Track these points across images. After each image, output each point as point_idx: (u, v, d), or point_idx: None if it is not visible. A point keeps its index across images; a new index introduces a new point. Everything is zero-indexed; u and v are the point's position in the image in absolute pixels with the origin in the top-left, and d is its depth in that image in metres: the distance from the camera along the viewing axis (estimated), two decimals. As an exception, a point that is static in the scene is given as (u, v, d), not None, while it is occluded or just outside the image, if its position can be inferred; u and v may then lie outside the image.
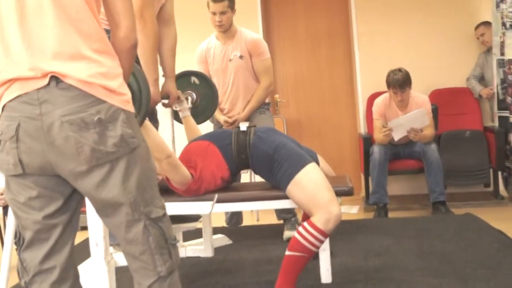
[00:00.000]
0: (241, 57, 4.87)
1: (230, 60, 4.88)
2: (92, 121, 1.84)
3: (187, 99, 4.02)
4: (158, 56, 3.51)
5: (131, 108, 1.98)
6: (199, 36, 5.18)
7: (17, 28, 1.86)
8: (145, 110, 2.66)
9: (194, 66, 4.90)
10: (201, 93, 4.16)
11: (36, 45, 1.85)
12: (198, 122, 4.12)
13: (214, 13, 4.80)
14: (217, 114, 4.91)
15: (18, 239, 2.06)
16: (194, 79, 4.18)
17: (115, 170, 1.91)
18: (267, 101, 5.11)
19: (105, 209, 1.98)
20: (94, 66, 1.87)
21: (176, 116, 4.07)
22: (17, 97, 1.86)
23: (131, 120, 1.95)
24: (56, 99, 1.83)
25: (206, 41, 5.04)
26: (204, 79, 4.24)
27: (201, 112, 4.19)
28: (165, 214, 2.05)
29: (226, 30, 4.86)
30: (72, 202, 2.05)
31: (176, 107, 3.94)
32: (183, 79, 4.10)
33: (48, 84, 1.84)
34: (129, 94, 1.99)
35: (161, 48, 3.57)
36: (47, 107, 1.83)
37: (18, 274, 2.10)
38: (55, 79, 1.84)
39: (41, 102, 1.83)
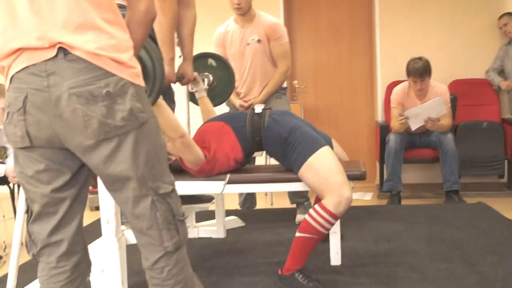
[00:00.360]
0: (259, 41, 4.85)
1: (248, 44, 4.86)
2: (100, 94, 1.81)
3: (203, 80, 4.05)
4: (176, 37, 3.52)
5: (141, 82, 1.94)
6: (217, 20, 5.18)
7: None
8: (158, 88, 2.64)
9: (211, 49, 4.89)
10: (218, 75, 4.17)
11: (44, 12, 1.81)
12: (215, 105, 4.14)
13: None
14: (233, 97, 4.91)
15: (27, 212, 2.07)
16: (211, 61, 4.19)
17: (123, 145, 1.88)
18: (284, 86, 5.10)
19: (113, 184, 1.96)
20: (104, 37, 1.83)
21: (192, 98, 4.10)
22: (24, 68, 1.82)
23: (140, 94, 1.91)
24: (64, 71, 1.80)
25: (224, 25, 5.01)
26: (221, 61, 4.25)
27: (218, 94, 4.21)
28: (173, 190, 2.03)
29: (245, 13, 4.82)
30: (81, 176, 2.05)
31: (192, 88, 3.98)
32: (201, 60, 4.12)
33: (56, 55, 1.80)
34: (139, 68, 1.96)
35: (181, 30, 3.54)
36: (55, 79, 1.80)
37: (26, 246, 2.11)
38: (63, 50, 1.80)
39: (49, 74, 1.80)
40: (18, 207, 3.20)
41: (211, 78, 4.14)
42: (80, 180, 2.05)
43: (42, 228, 2.03)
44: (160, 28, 3.21)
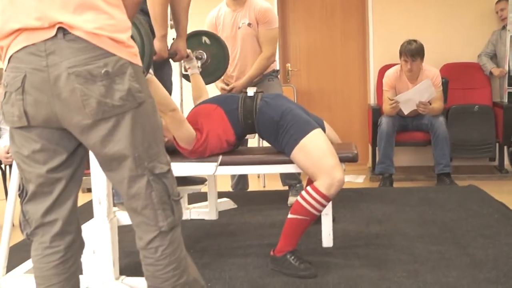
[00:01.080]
0: (249, 24, 4.81)
1: (239, 28, 4.83)
2: (99, 74, 1.82)
3: (197, 58, 4.05)
4: (168, 14, 3.50)
5: (138, 61, 1.95)
6: (212, 2, 5.15)
7: None
8: (147, 64, 2.63)
9: None
10: (212, 53, 4.17)
11: None
12: (208, 82, 4.18)
13: None
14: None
15: (21, 192, 2.07)
16: (205, 39, 4.19)
17: (120, 124, 1.88)
18: (276, 68, 5.08)
19: (110, 164, 1.97)
20: (103, 17, 1.84)
21: (185, 75, 4.11)
22: (23, 48, 1.83)
23: (138, 75, 1.92)
24: (63, 50, 1.80)
25: (217, 8, 4.99)
26: (215, 39, 4.24)
27: (212, 72, 4.22)
28: (169, 170, 2.04)
29: None
30: (76, 157, 2.05)
31: (185, 65, 3.98)
32: (195, 38, 4.12)
33: (56, 35, 1.80)
34: (136, 47, 1.97)
35: (175, 7, 3.50)
36: (54, 58, 1.80)
37: (20, 226, 2.11)
38: (62, 30, 1.80)
39: (48, 54, 1.80)
40: (9, 188, 3.20)
41: (205, 56, 4.14)
42: (76, 160, 2.06)
43: (37, 208, 2.04)
44: (152, 4, 3.19)
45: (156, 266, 2.03)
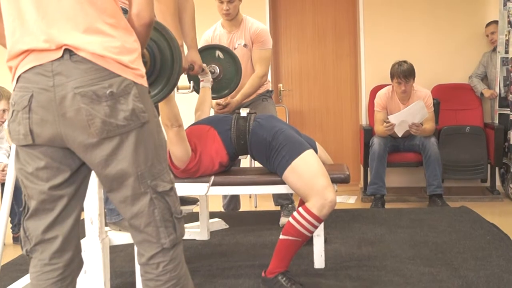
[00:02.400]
0: (245, 45, 4.85)
1: (235, 48, 4.84)
2: (104, 94, 1.86)
3: (210, 72, 4.06)
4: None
5: (144, 82, 1.99)
6: (204, 24, 5.17)
7: (33, 1, 1.88)
8: (176, 78, 2.62)
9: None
10: (225, 67, 4.20)
11: (51, 16, 1.87)
12: (221, 96, 4.26)
13: (221, 2, 4.76)
14: None
15: (23, 208, 2.08)
16: (218, 53, 4.21)
17: (124, 144, 1.92)
18: (270, 89, 5.11)
19: (112, 183, 1.98)
20: (108, 40, 1.89)
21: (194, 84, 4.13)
22: (31, 68, 1.88)
23: (143, 95, 1.96)
24: (70, 71, 1.85)
25: (212, 28, 5.01)
26: (228, 53, 4.26)
27: (224, 86, 4.25)
28: (172, 188, 2.06)
29: (233, 18, 4.84)
30: (80, 175, 2.07)
31: (200, 78, 4.00)
32: (208, 52, 4.15)
33: (62, 56, 1.85)
34: (143, 70, 2.00)
35: (182, 20, 3.53)
36: (60, 79, 1.85)
37: (20, 242, 2.12)
38: (68, 51, 1.85)
39: (55, 74, 1.85)
40: (1, 208, 3.19)
41: (218, 70, 4.15)
42: (79, 178, 2.07)
43: (38, 224, 2.05)
44: (163, 17, 3.20)
45: (156, 281, 2.04)
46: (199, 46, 4.81)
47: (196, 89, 4.03)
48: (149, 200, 1.98)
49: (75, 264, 2.14)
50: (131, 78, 1.92)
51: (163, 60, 2.56)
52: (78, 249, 2.16)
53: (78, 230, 2.14)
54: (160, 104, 2.97)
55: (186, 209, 4.03)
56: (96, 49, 1.86)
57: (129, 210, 2.01)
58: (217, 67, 4.16)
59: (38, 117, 1.89)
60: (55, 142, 1.93)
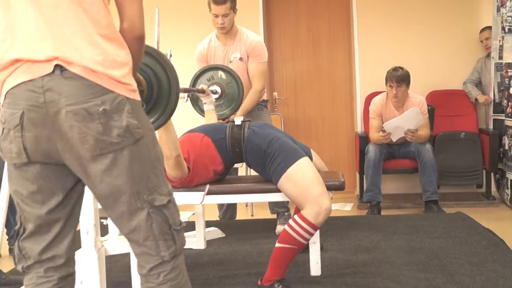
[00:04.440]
0: (240, 59, 4.84)
1: (231, 61, 4.84)
2: (97, 112, 1.82)
3: (212, 92, 4.09)
4: None
5: (136, 96, 1.95)
6: (198, 35, 5.17)
7: (26, 9, 1.84)
8: (173, 107, 2.57)
9: (193, 64, 4.95)
10: (226, 87, 4.22)
11: (43, 27, 1.83)
12: (223, 116, 4.31)
13: (216, 15, 4.71)
14: None
15: (19, 227, 2.05)
16: (221, 73, 4.24)
17: (118, 160, 1.88)
18: (265, 98, 5.11)
19: (107, 199, 1.95)
20: (100, 53, 1.84)
21: (197, 107, 4.19)
22: (21, 83, 1.82)
23: (136, 110, 1.92)
24: (61, 88, 1.80)
25: (207, 40, 4.97)
26: (230, 74, 4.30)
27: (226, 106, 4.29)
28: (170, 200, 2.01)
29: (228, 31, 4.82)
30: (74, 194, 2.05)
31: (203, 101, 4.03)
32: (210, 73, 4.18)
33: (53, 71, 1.80)
34: (135, 85, 1.96)
35: None
36: (51, 95, 1.80)
37: (14, 259, 2.11)
38: (59, 67, 1.81)
39: (45, 90, 1.80)
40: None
41: (220, 90, 4.18)
42: (74, 198, 2.05)
43: (35, 246, 2.03)
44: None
45: None
46: (194, 58, 4.84)
47: (200, 112, 4.07)
48: (146, 215, 1.95)
49: (70, 279, 2.13)
50: (124, 93, 1.87)
51: (160, 88, 2.50)
52: (73, 263, 2.15)
53: (74, 247, 2.12)
54: (158, 132, 2.93)
55: (181, 218, 4.03)
56: (88, 63, 1.82)
57: (126, 225, 1.99)
58: (218, 88, 4.19)
59: (31, 135, 1.85)
60: (51, 158, 1.90)
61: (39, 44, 1.82)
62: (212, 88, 4.17)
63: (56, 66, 1.81)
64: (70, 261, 2.11)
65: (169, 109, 2.56)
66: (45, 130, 1.84)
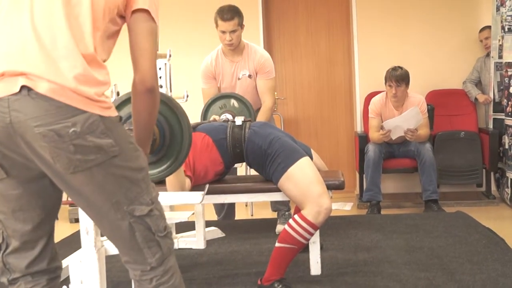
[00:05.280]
0: (249, 76, 4.81)
1: (239, 78, 4.82)
2: (67, 134, 1.73)
3: (225, 121, 4.09)
4: None
5: (112, 112, 1.86)
6: (198, 35, 5.14)
7: (11, 20, 1.81)
8: (184, 155, 2.57)
9: (197, 80, 4.95)
10: (238, 115, 4.23)
11: (15, 41, 1.78)
12: None
13: (223, 32, 4.65)
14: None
15: (1, 243, 2.02)
16: (233, 101, 4.25)
17: (94, 176, 1.82)
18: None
19: (88, 211, 1.94)
20: (73, 70, 1.76)
21: None
22: None
23: (111, 128, 1.83)
24: (27, 108, 1.72)
25: (213, 56, 4.88)
26: (243, 102, 4.31)
27: None
28: (151, 209, 1.96)
29: (236, 47, 4.76)
30: (54, 209, 2.06)
31: None
32: (222, 101, 4.19)
33: (20, 91, 1.72)
34: (109, 102, 1.87)
35: None
36: (17, 116, 1.73)
37: None
38: (26, 88, 1.72)
39: (11, 110, 1.73)
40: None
41: (231, 118, 4.19)
42: (54, 213, 2.07)
43: (20, 262, 2.03)
44: None
45: None
46: (200, 74, 4.80)
47: None
48: (128, 225, 1.92)
49: (57, 282, 2.13)
50: (97, 112, 1.78)
51: (172, 135, 2.50)
52: (60, 268, 2.14)
53: (57, 252, 2.12)
54: None
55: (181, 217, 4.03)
56: (58, 81, 1.74)
57: (110, 236, 1.99)
58: (230, 116, 4.19)
59: (6, 152, 1.82)
60: (32, 170, 1.88)
61: (7, 61, 1.76)
62: (223, 116, 4.17)
63: (23, 87, 1.73)
64: (55, 261, 2.11)
65: (181, 156, 2.56)
66: (17, 149, 1.80)
